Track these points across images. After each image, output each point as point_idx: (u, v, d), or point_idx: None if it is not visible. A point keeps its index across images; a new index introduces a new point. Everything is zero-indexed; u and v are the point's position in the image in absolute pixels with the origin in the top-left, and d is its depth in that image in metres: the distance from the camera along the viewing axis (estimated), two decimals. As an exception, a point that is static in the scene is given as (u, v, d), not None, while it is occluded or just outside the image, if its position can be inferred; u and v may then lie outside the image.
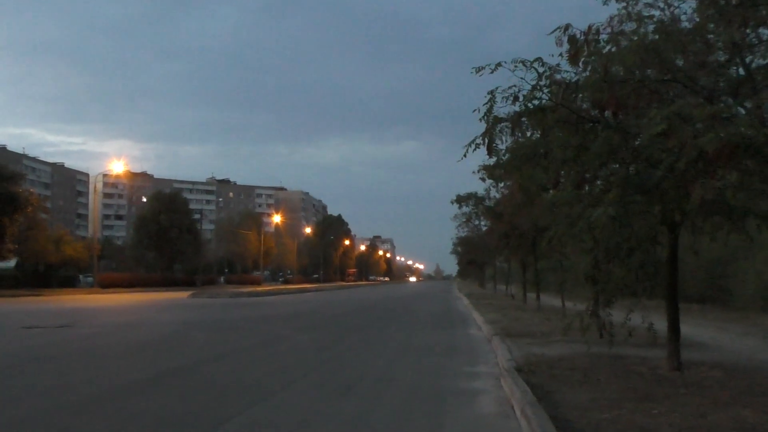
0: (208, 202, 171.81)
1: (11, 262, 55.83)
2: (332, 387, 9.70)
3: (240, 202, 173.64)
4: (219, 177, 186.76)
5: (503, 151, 9.31)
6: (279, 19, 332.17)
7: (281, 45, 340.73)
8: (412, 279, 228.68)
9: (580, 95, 8.30)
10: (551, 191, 10.29)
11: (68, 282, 62.88)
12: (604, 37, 8.36)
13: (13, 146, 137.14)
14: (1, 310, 28.08)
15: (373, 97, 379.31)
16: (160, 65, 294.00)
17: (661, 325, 10.35)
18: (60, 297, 44.98)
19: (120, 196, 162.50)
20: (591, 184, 8.95)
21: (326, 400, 8.62)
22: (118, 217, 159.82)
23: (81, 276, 67.58)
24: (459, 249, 65.36)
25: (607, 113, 8.11)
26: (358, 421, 7.49)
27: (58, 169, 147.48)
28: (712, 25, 8.66)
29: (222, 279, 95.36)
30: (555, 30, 7.83)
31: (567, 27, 7.82)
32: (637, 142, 7.76)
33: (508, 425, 7.23)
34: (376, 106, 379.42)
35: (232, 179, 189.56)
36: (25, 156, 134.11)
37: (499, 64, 7.78)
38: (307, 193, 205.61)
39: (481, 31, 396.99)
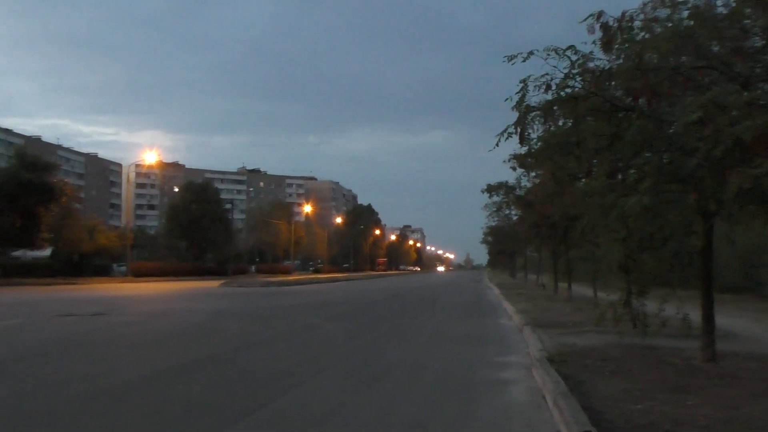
0: (239, 191, 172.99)
1: (46, 251, 56.74)
2: (363, 375, 9.76)
3: (270, 192, 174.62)
4: (250, 167, 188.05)
5: (535, 140, 9.25)
6: (309, 9, 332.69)
7: (311, 35, 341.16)
8: (440, 268, 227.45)
9: (613, 83, 8.20)
10: (583, 180, 10.19)
11: (102, 271, 63.70)
12: (637, 23, 8.25)
13: (48, 137, 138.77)
14: (36, 299, 28.60)
15: (402, 86, 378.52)
16: (191, 56, 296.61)
17: (695, 315, 10.23)
18: (94, 285, 45.65)
19: (152, 186, 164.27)
20: (624, 173, 8.83)
21: (357, 389, 8.67)
22: (151, 207, 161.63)
23: (114, 265, 68.37)
24: (489, 239, 65.01)
25: (641, 101, 8.01)
26: (390, 409, 7.52)
27: (91, 159, 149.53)
28: (748, 10, 8.48)
29: (253, 268, 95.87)
30: (588, 17, 7.74)
31: (600, 14, 7.73)
32: (671, 131, 7.64)
33: (540, 415, 7.20)
34: (406, 96, 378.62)
35: (262, 169, 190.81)
36: (59, 147, 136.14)
37: (531, 53, 7.72)
38: (338, 182, 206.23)
39: (511, 20, 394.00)
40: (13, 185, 47.51)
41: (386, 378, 9.55)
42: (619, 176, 8.84)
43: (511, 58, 7.99)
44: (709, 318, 9.89)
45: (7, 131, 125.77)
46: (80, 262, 60.69)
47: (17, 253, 54.09)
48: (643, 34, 8.19)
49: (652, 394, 7.59)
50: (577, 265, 32.09)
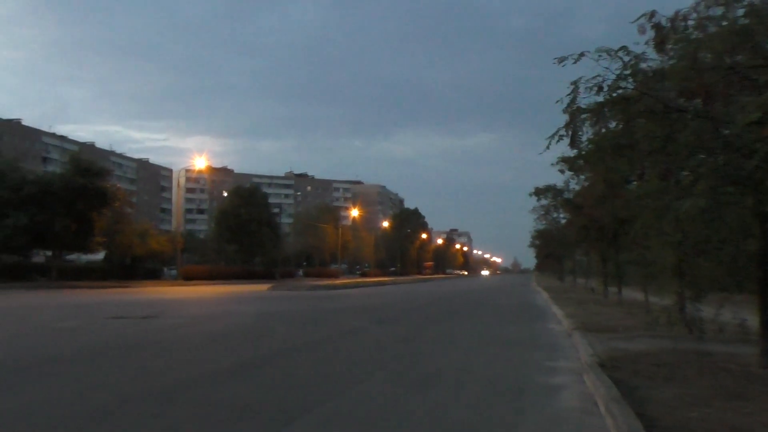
0: (286, 196, 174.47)
1: (100, 255, 58.03)
2: (411, 379, 9.72)
3: (317, 196, 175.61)
4: (297, 171, 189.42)
5: (585, 142, 9.12)
6: (354, 13, 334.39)
7: (357, 39, 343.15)
8: (484, 272, 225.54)
9: (666, 84, 8.04)
10: (635, 183, 10.02)
11: (153, 274, 64.88)
12: (690, 23, 8.08)
13: (101, 143, 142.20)
14: (91, 301, 29.25)
15: (448, 88, 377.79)
16: (238, 61, 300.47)
17: (752, 321, 9.95)
18: (145, 289, 46.51)
19: (201, 190, 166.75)
20: (678, 175, 8.65)
21: (405, 392, 8.63)
22: (200, 211, 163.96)
23: (165, 268, 69.58)
24: (537, 242, 64.48)
25: (695, 102, 7.84)
26: (439, 413, 7.48)
27: (143, 164, 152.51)
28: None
29: (300, 272, 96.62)
30: (639, 17, 7.62)
31: (652, 14, 7.61)
32: (727, 132, 7.46)
33: (592, 422, 7.08)
34: (452, 98, 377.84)
35: (309, 173, 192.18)
36: (112, 152, 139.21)
37: (582, 54, 7.61)
38: (384, 186, 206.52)
39: (558, 21, 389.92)
40: (69, 190, 48.77)
41: (434, 382, 9.50)
42: (673, 178, 8.67)
43: (561, 59, 7.90)
44: (767, 323, 9.62)
45: (63, 138, 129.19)
46: (132, 266, 61.91)
47: (72, 256, 55.47)
48: (696, 33, 8.02)
49: (708, 401, 7.40)
50: (627, 269, 31.55)
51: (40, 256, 55.24)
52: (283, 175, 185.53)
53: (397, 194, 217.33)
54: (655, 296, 20.37)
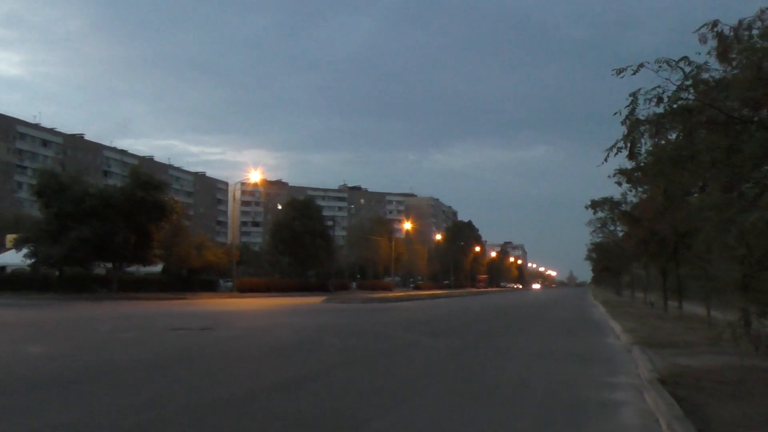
0: (340, 208, 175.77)
1: (158, 267, 59.14)
2: (467, 393, 9.66)
3: (371, 209, 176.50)
4: (350, 184, 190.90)
5: (644, 154, 8.98)
6: (408, 27, 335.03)
7: (411, 52, 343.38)
8: (535, 285, 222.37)
9: (729, 94, 7.86)
10: (696, 195, 9.81)
11: (209, 286, 65.75)
12: (755, 31, 7.90)
13: (160, 157, 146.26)
14: (150, 312, 29.85)
15: (502, 101, 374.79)
16: (293, 76, 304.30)
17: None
18: (202, 300, 47.26)
19: (257, 203, 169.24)
20: (742, 187, 8.43)
21: (462, 406, 8.59)
22: (255, 224, 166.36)
23: (221, 280, 70.48)
24: (593, 255, 63.62)
25: (761, 112, 7.65)
26: (495, 428, 7.42)
27: (199, 178, 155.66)
28: None
29: (354, 284, 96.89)
30: (701, 27, 7.48)
31: (715, 23, 7.46)
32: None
33: (653, 439, 6.94)
34: (505, 111, 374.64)
35: (363, 186, 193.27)
36: (170, 166, 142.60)
37: (641, 65, 7.52)
38: (437, 199, 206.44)
39: (615, 32, 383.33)
40: (129, 203, 49.88)
41: (490, 396, 9.43)
42: (737, 191, 8.46)
43: (619, 71, 7.81)
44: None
45: (123, 152, 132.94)
46: (189, 278, 62.85)
47: (131, 268, 56.60)
48: (761, 42, 7.83)
49: (776, 420, 7.17)
50: (689, 283, 30.85)
51: (101, 268, 56.53)
52: (336, 187, 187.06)
53: (450, 207, 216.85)
54: (718, 311, 19.85)
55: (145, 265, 55.45)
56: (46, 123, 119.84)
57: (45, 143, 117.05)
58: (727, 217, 7.73)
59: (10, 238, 56.57)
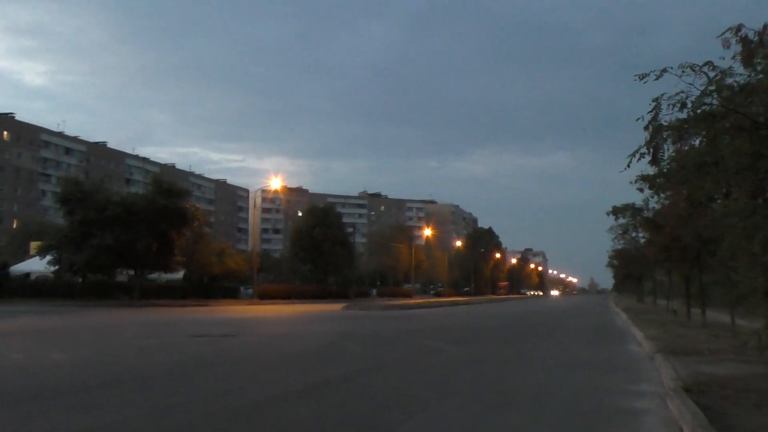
0: (360, 215, 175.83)
1: (179, 274, 59.49)
2: (489, 401, 9.62)
3: (391, 216, 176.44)
4: (370, 191, 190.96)
5: (666, 160, 8.91)
6: (428, 34, 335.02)
7: (430, 59, 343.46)
8: (554, 292, 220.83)
9: (755, 99, 7.79)
10: (719, 201, 9.72)
11: (230, 293, 66.02)
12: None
13: (181, 164, 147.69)
14: (172, 319, 30.05)
15: (523, 107, 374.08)
16: (313, 83, 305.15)
17: None
18: (223, 307, 47.46)
19: (277, 210, 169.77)
20: (767, 193, 8.35)
21: (484, 413, 8.56)
22: (275, 231, 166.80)
23: (241, 287, 70.74)
24: (615, 262, 63.18)
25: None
26: (519, 436, 7.38)
27: (220, 185, 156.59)
28: None
29: (374, 291, 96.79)
30: (725, 31, 7.41)
31: (739, 27, 7.39)
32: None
33: (678, 448, 6.87)
34: (526, 117, 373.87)
35: (383, 193, 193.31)
36: (191, 173, 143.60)
37: (664, 70, 7.45)
38: (457, 206, 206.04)
39: (635, 38, 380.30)
40: (151, 211, 50.24)
41: (512, 404, 9.38)
42: (763, 197, 8.37)
43: (642, 76, 7.74)
44: None
45: (145, 159, 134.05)
46: (210, 285, 63.20)
47: (153, 275, 56.98)
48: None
49: (804, 429, 7.08)
50: (712, 290, 30.55)
51: (123, 275, 56.96)
52: (356, 194, 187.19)
53: (470, 213, 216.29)
54: (742, 319, 19.63)
55: (166, 272, 55.82)
56: (69, 131, 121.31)
57: (68, 151, 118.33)
58: (752, 223, 7.65)
59: (34, 245, 57.13)
